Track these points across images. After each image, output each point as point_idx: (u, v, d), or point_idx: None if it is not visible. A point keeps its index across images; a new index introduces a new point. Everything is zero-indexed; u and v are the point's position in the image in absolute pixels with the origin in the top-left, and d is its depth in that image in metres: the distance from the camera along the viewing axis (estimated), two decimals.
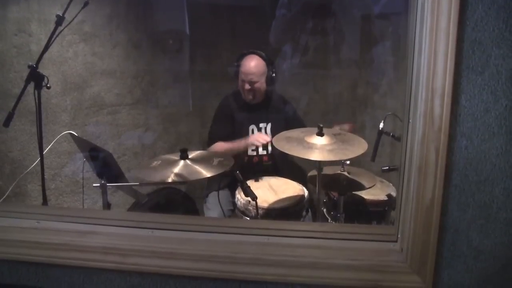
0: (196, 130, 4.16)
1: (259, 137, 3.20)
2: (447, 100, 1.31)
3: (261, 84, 3.27)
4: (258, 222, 2.53)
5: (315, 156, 2.49)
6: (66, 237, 1.61)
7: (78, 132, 3.13)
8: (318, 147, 2.54)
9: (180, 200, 3.19)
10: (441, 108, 1.32)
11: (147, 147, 4.00)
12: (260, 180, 3.10)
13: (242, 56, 3.31)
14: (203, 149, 3.38)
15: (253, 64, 3.24)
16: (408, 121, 1.41)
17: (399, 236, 1.51)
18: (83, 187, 3.17)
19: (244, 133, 3.36)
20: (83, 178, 3.12)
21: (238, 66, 3.29)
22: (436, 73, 1.30)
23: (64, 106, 3.41)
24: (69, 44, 3.33)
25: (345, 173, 2.92)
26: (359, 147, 2.57)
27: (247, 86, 3.24)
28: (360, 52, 4.06)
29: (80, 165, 3.11)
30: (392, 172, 2.93)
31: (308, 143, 2.57)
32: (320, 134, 2.61)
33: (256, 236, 1.63)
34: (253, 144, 3.24)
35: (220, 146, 3.29)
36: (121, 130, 3.80)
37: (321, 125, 2.62)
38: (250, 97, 3.30)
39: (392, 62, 3.73)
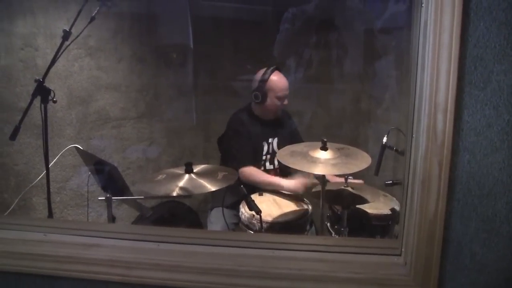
0: (200, 144, 4.18)
1: (304, 186, 3.08)
2: (450, 115, 1.32)
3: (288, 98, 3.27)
4: (263, 235, 2.53)
5: (319, 170, 2.50)
6: (72, 249, 1.63)
7: (83, 145, 3.14)
8: (322, 161, 2.55)
9: (184, 214, 3.18)
10: (444, 123, 1.33)
11: (152, 161, 4.01)
12: (264, 194, 3.10)
13: (266, 72, 3.23)
14: (206, 161, 3.37)
15: (284, 79, 3.23)
16: (412, 136, 1.42)
17: (402, 249, 1.52)
18: (87, 200, 3.19)
19: (259, 149, 3.32)
20: (88, 191, 3.13)
21: (264, 82, 3.21)
22: (439, 88, 1.32)
23: (70, 120, 3.44)
24: (74, 58, 3.37)
25: (349, 188, 2.92)
26: (363, 161, 2.58)
27: (285, 102, 3.24)
28: (363, 66, 4.08)
29: (85, 178, 3.12)
30: (395, 186, 2.95)
31: (312, 157, 2.58)
32: (324, 148, 2.62)
33: (260, 249, 1.64)
34: (295, 191, 3.10)
35: (254, 172, 3.22)
36: (125, 143, 3.82)
37: (325, 140, 2.63)
38: (274, 114, 3.30)
39: (394, 76, 3.74)
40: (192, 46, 4.07)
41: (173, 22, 3.96)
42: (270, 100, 3.23)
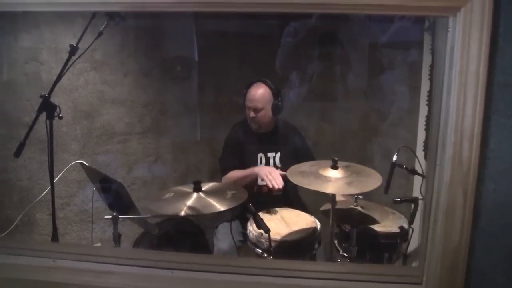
0: (206, 159, 4.14)
1: (273, 178, 3.06)
2: (476, 143, 1.30)
3: (266, 112, 3.24)
4: (276, 262, 2.49)
5: (331, 189, 2.47)
6: (83, 277, 1.58)
7: (87, 160, 3.11)
8: (332, 180, 2.52)
9: (189, 230, 3.15)
10: (470, 151, 1.30)
11: (157, 177, 3.97)
12: (271, 212, 3.06)
13: (250, 84, 3.30)
14: (213, 178, 3.35)
15: (258, 91, 3.23)
16: (435, 164, 1.39)
17: (424, 278, 1.48)
18: (92, 216, 3.13)
19: (253, 162, 3.33)
20: (92, 207, 3.09)
21: (246, 93, 3.28)
22: (465, 116, 1.29)
23: (74, 135, 3.41)
24: (80, 72, 3.35)
25: (359, 207, 2.88)
26: (374, 179, 2.55)
27: (251, 114, 3.23)
28: (368, 81, 4.05)
29: (90, 194, 3.08)
30: (403, 204, 2.92)
31: (323, 176, 2.55)
32: (335, 167, 2.58)
33: (274, 277, 1.60)
34: (261, 178, 3.13)
35: (233, 174, 3.25)
36: (130, 159, 3.79)
37: (336, 158, 2.60)
38: (255, 125, 3.29)
39: (400, 91, 3.72)
40: (197, 60, 4.04)
41: (179, 36, 3.93)
42: (246, 111, 3.29)
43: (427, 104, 3.35)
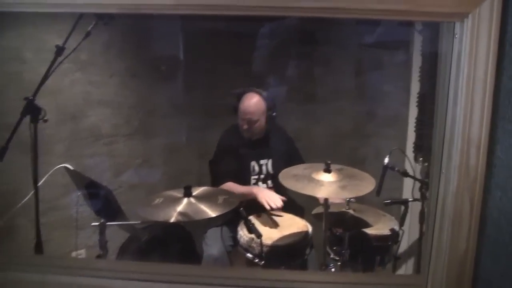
0: (195, 162, 4.08)
1: (270, 200, 3.03)
2: (483, 150, 1.28)
3: (260, 123, 3.21)
4: (277, 272, 2.44)
5: (325, 193, 2.44)
6: None
7: (73, 163, 3.01)
8: (325, 184, 2.48)
9: (177, 235, 3.10)
10: (477, 158, 1.28)
11: (144, 180, 3.90)
12: (262, 216, 3.03)
13: (242, 93, 3.25)
14: (202, 181, 3.31)
15: (252, 103, 3.19)
16: (441, 171, 1.36)
17: (428, 287, 1.46)
18: (76, 221, 3.07)
19: (246, 170, 3.31)
20: (77, 213, 3.03)
21: (238, 102, 3.23)
22: (472, 123, 1.27)
23: (59, 137, 3.34)
24: (65, 73, 3.28)
25: (351, 210, 2.86)
26: (368, 183, 2.52)
27: (245, 126, 3.20)
28: (356, 82, 4.02)
29: (74, 199, 3.02)
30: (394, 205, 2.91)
31: (316, 180, 2.51)
32: (328, 170, 2.55)
33: None
34: (260, 202, 3.05)
35: (229, 187, 3.19)
36: (117, 161, 3.72)
37: (329, 162, 2.57)
38: (249, 135, 3.27)
39: (390, 92, 3.71)
40: (184, 59, 3.98)
41: (166, 35, 3.86)
42: (240, 122, 3.25)
43: (417, 106, 3.36)
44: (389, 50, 3.66)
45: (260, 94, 3.23)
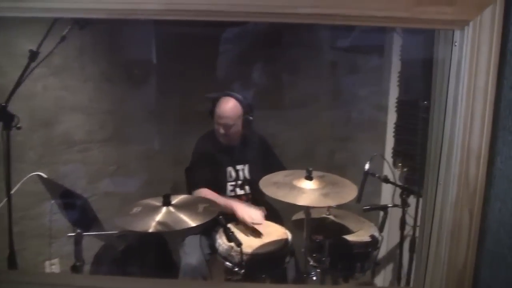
0: (170, 168, 4.01)
1: (251, 217, 2.99)
2: (483, 161, 1.25)
3: (237, 127, 3.18)
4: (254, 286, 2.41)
5: (307, 201, 2.40)
6: None
7: (46, 171, 2.93)
8: (308, 191, 2.45)
9: (154, 243, 3.03)
10: (477, 169, 1.26)
11: (119, 187, 3.81)
12: (240, 223, 2.98)
13: (217, 98, 3.21)
14: (178, 188, 3.24)
15: (228, 107, 3.15)
16: (438, 183, 1.33)
17: None
18: (50, 230, 2.98)
19: (222, 176, 3.27)
20: (50, 221, 2.93)
21: (214, 107, 3.19)
22: (472, 133, 1.24)
23: (31, 144, 3.25)
24: (37, 78, 3.17)
25: (331, 216, 2.83)
26: (350, 190, 2.50)
27: (221, 130, 3.16)
28: (328, 87, 3.99)
29: (48, 208, 2.93)
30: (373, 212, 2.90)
31: (297, 187, 2.47)
32: (309, 178, 2.51)
33: None
34: (240, 218, 3.01)
35: (204, 194, 3.12)
36: (91, 169, 3.64)
37: (311, 169, 2.53)
38: (225, 140, 3.22)
39: (368, 97, 3.69)
40: (159, 64, 3.90)
41: (140, 39, 3.78)
42: (216, 127, 3.21)
43: (396, 111, 3.35)
44: (368, 55, 3.65)
45: (236, 98, 3.19)
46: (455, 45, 1.24)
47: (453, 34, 1.25)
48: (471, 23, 1.19)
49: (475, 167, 1.25)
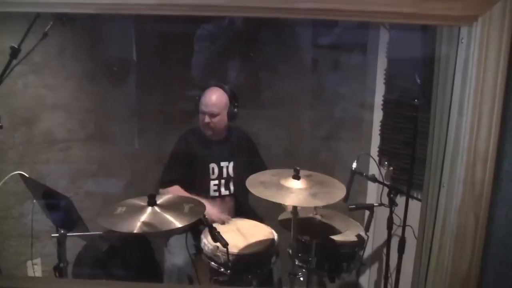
0: (153, 167, 3.93)
1: (219, 219, 3.01)
2: (491, 164, 1.21)
3: (222, 117, 3.13)
4: None
5: (295, 201, 2.35)
6: None
7: (27, 170, 2.88)
8: (295, 191, 2.39)
9: (137, 243, 2.97)
10: (483, 173, 1.22)
11: (101, 186, 3.74)
12: (226, 223, 2.93)
13: (205, 88, 3.18)
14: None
15: (214, 96, 3.12)
16: (440, 185, 1.29)
17: None
18: (32, 230, 2.89)
19: (205, 172, 3.21)
20: (32, 220, 2.85)
21: (200, 98, 3.15)
22: (479, 135, 1.20)
23: (12, 143, 3.18)
24: (18, 76, 3.11)
25: (318, 216, 2.79)
26: (339, 190, 2.44)
27: (206, 119, 3.10)
28: (312, 84, 3.95)
29: (30, 207, 2.87)
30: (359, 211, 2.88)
31: (285, 187, 2.41)
32: (297, 177, 2.45)
33: None
34: (211, 219, 2.88)
35: (175, 192, 3.09)
36: (73, 167, 3.57)
37: (298, 168, 2.47)
38: (210, 132, 3.17)
39: (353, 95, 3.65)
40: (141, 62, 3.83)
41: (122, 37, 3.74)
42: (200, 116, 3.17)
43: (382, 109, 3.32)
44: (354, 52, 3.60)
45: (222, 88, 3.17)
46: (462, 42, 1.20)
47: (459, 31, 1.21)
48: (479, 19, 1.15)
49: (482, 169, 1.22)
